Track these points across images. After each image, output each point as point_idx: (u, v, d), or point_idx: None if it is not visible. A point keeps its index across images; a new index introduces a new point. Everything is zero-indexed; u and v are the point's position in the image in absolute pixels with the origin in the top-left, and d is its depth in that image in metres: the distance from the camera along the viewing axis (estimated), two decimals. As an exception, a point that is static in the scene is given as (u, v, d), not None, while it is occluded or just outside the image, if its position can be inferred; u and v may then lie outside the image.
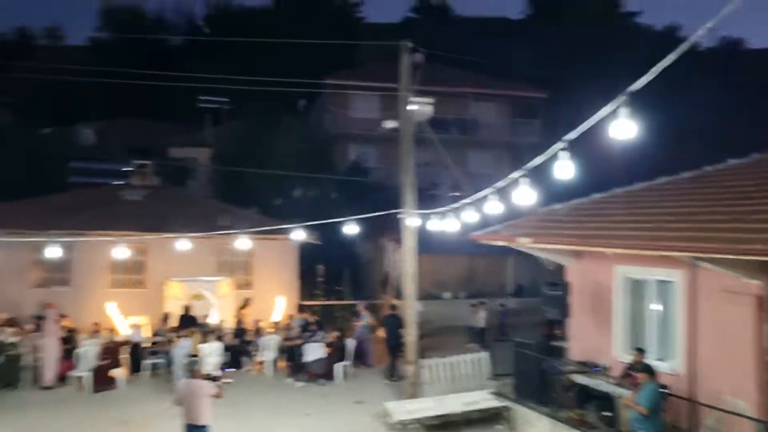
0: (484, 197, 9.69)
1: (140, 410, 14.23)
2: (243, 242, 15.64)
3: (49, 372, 15.79)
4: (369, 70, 32.81)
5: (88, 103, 40.98)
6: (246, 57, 36.67)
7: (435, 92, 15.78)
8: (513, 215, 12.19)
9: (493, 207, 9.61)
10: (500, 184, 8.72)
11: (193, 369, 10.27)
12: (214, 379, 10.87)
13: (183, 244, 15.77)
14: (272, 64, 32.56)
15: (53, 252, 14.34)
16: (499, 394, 13.27)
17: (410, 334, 14.85)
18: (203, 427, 9.94)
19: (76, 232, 17.88)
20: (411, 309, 14.91)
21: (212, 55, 40.38)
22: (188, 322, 17.48)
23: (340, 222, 15.03)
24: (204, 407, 9.93)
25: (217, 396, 10.14)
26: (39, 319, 16.93)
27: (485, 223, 12.57)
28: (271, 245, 20.01)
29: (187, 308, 18.17)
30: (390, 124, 15.25)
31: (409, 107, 14.36)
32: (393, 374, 16.52)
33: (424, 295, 18.22)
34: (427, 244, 15.79)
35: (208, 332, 16.60)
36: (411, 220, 14.58)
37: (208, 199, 26.06)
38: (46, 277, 19.99)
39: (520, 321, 19.73)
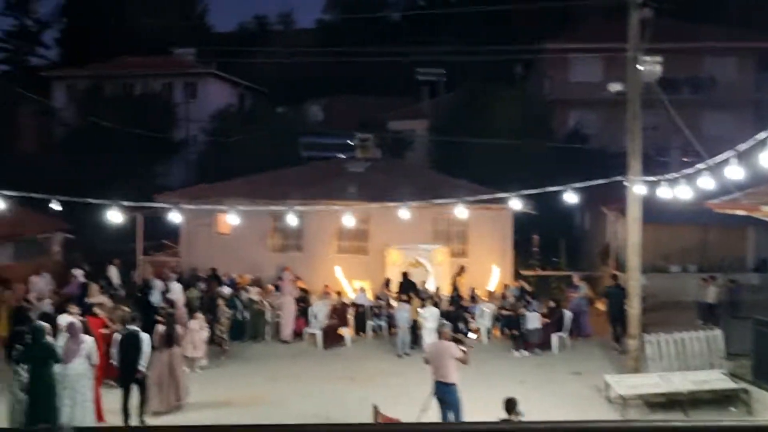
0: (723, 162, 8.85)
1: (365, 367, 15.27)
2: (460, 211, 15.87)
3: (287, 328, 17.50)
4: (590, 30, 31.16)
5: (316, 81, 43.96)
6: (462, 27, 36.78)
7: (664, 50, 14.59)
8: (756, 181, 11.00)
9: (734, 172, 8.75)
10: (743, 146, 7.89)
11: (441, 331, 10.74)
12: (459, 342, 11.23)
13: (403, 213, 16.40)
14: (488, 33, 32.32)
15: (291, 220, 15.80)
16: (734, 375, 12.24)
17: (633, 307, 14.16)
18: (452, 384, 10.37)
19: (308, 202, 19.46)
20: (634, 281, 14.17)
21: (429, 29, 41.10)
22: (408, 287, 18.25)
23: (558, 191, 14.61)
24: (451, 367, 10.38)
25: (463, 361, 10.46)
26: (278, 280, 18.83)
27: (722, 190, 11.50)
28: (486, 214, 20.08)
29: (406, 274, 18.96)
30: (615, 87, 14.40)
31: (637, 68, 13.44)
32: (620, 347, 15.86)
33: (649, 268, 17.11)
34: (653, 213, 14.82)
35: (425, 298, 17.25)
36: (637, 188, 13.76)
37: (425, 170, 26.77)
38: (283, 243, 22.03)
39: (761, 298, 17.77)
